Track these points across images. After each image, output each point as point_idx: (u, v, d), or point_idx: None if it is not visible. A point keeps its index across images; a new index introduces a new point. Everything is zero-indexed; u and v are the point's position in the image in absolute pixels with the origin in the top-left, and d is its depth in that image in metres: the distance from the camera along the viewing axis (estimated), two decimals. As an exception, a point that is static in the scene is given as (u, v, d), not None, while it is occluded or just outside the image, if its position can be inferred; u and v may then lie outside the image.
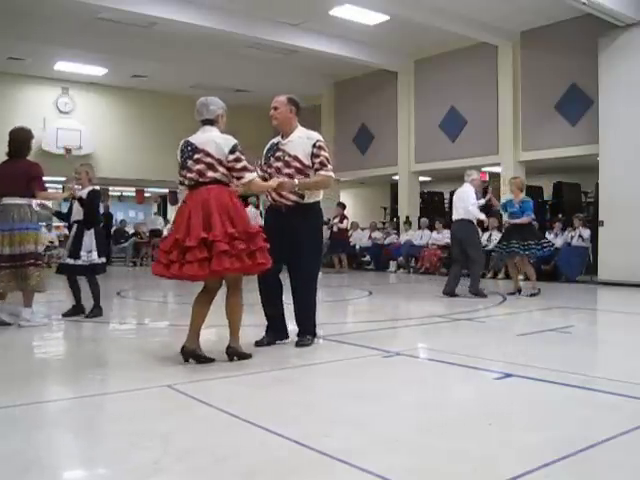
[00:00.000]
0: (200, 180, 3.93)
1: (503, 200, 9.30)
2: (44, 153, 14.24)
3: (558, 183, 14.76)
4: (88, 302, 6.17)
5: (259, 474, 2.19)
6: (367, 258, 15.49)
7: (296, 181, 4.41)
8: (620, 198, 10.06)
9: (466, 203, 8.13)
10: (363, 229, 15.71)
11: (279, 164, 4.54)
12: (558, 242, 11.02)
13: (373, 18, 11.61)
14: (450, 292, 8.17)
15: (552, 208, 14.23)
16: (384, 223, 17.33)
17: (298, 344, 4.54)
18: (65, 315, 6.13)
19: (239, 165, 3.94)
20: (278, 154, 4.57)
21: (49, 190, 6.01)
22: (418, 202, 15.10)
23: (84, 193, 6.14)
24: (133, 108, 16.29)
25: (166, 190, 19.89)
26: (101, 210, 7.14)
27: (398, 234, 14.63)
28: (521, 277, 9.06)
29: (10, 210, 5.42)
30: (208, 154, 3.91)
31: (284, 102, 4.58)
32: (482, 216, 8.41)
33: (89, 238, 6.07)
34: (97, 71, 14.73)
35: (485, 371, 3.85)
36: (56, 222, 15.12)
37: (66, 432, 2.78)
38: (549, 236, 10.89)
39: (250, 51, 13.31)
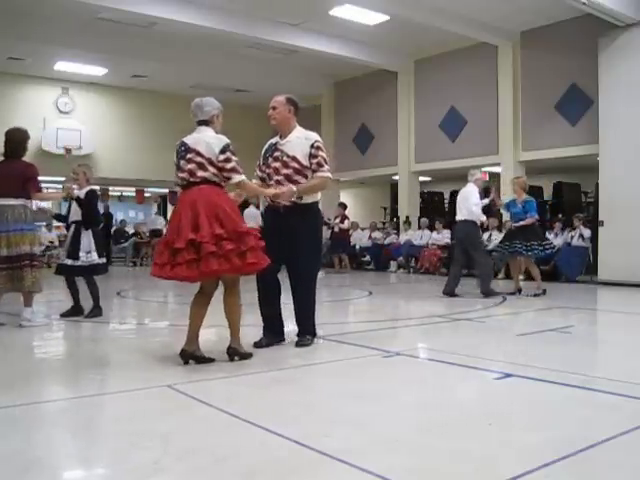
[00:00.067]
0: (191, 180, 3.91)
1: (505, 200, 9.27)
2: (44, 153, 14.25)
3: (558, 183, 14.74)
4: (87, 302, 6.16)
5: (259, 474, 2.19)
6: (367, 258, 15.50)
7: (294, 188, 4.37)
8: (620, 198, 10.06)
9: (469, 203, 8.08)
10: (363, 229, 15.71)
11: (277, 164, 4.52)
12: (558, 242, 11.01)
13: (373, 18, 11.62)
14: (450, 292, 8.15)
15: (552, 208, 14.20)
16: (384, 223, 17.33)
17: (298, 344, 4.54)
18: (63, 315, 6.11)
19: (229, 165, 3.91)
20: (276, 154, 4.55)
21: (49, 190, 5.99)
22: (418, 202, 15.10)
23: (82, 193, 6.13)
24: (133, 108, 16.30)
25: (166, 190, 19.87)
26: (101, 210, 7.12)
27: (398, 234, 14.63)
28: (521, 277, 9.05)
29: (4, 211, 5.38)
30: (199, 154, 3.90)
31: (283, 102, 4.56)
32: (483, 217, 8.39)
33: (87, 238, 6.06)
34: (97, 71, 14.73)
35: (485, 371, 3.85)
36: (56, 222, 15.11)
37: (66, 432, 2.77)
38: (549, 236, 10.88)
39: (250, 51, 13.31)
